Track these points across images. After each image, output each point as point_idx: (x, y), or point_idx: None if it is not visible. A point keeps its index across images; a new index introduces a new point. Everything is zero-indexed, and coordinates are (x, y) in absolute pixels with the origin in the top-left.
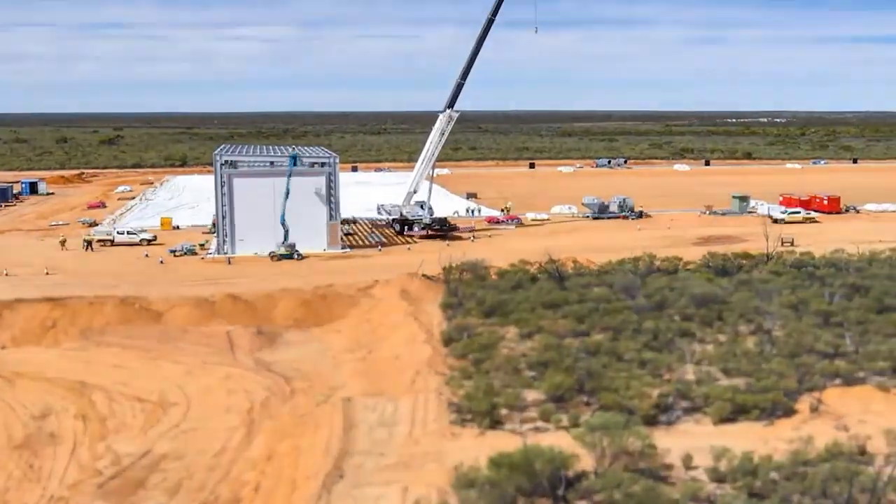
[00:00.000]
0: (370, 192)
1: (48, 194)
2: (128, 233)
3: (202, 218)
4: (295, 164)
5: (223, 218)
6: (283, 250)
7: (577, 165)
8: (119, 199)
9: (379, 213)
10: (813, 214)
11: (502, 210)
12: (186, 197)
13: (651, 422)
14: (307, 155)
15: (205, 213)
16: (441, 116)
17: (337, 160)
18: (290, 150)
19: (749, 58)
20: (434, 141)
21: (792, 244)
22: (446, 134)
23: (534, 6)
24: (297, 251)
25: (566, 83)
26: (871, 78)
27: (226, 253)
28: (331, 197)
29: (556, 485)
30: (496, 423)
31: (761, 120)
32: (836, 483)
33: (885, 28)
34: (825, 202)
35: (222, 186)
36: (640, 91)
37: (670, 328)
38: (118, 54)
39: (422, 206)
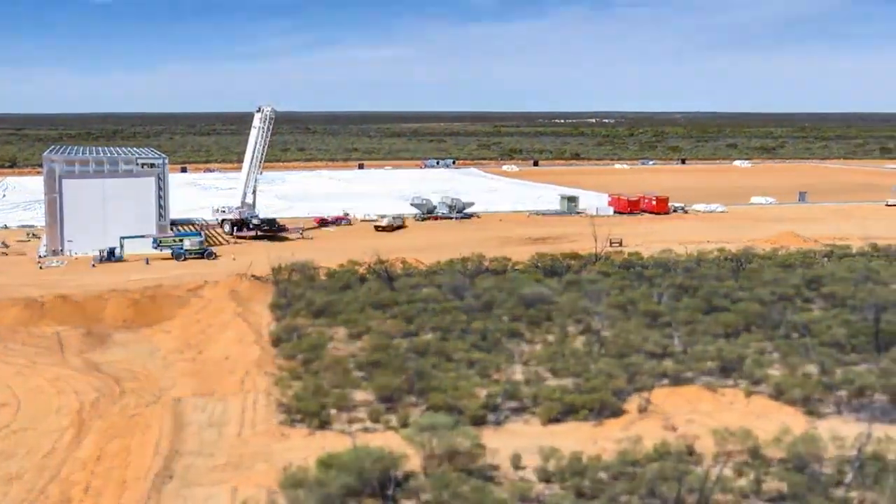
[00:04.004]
0: (201, 192)
1: None
2: None
3: (37, 219)
4: None
5: (52, 219)
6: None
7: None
8: None
9: (213, 214)
10: None
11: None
12: (17, 198)
13: (480, 422)
14: (136, 156)
15: (39, 214)
16: (256, 115)
17: (166, 161)
18: (121, 151)
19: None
20: (255, 140)
21: (620, 244)
22: (266, 133)
23: None
24: (208, 249)
25: (398, 85)
26: (699, 79)
27: (59, 252)
28: (160, 198)
29: (385, 485)
30: (325, 424)
31: (590, 120)
32: (665, 483)
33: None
34: (654, 202)
35: (52, 187)
36: (471, 92)
37: (499, 328)
38: None
39: (251, 207)
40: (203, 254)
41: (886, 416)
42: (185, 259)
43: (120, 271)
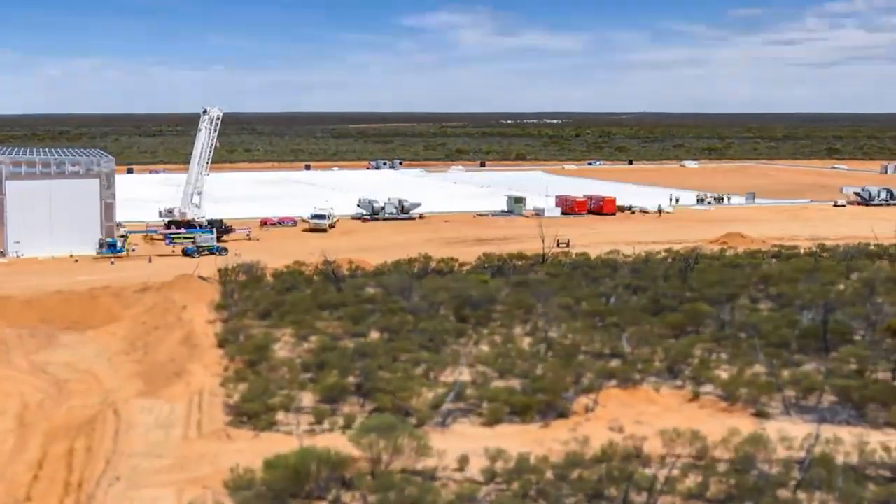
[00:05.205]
0: (151, 192)
1: None
2: None
3: None
4: None
5: None
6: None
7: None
8: None
9: (160, 216)
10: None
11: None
12: None
13: (426, 423)
14: (83, 157)
15: None
16: (203, 116)
17: (112, 162)
18: (68, 153)
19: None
20: (202, 140)
21: (568, 245)
22: (213, 132)
23: None
24: (218, 246)
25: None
26: (648, 79)
27: (5, 254)
28: (107, 199)
29: (331, 486)
30: (271, 425)
31: (535, 121)
32: (612, 484)
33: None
34: (601, 203)
35: None
36: (415, 91)
37: (446, 329)
38: None
39: (198, 208)
40: (214, 251)
41: (835, 416)
42: (199, 256)
43: (68, 272)
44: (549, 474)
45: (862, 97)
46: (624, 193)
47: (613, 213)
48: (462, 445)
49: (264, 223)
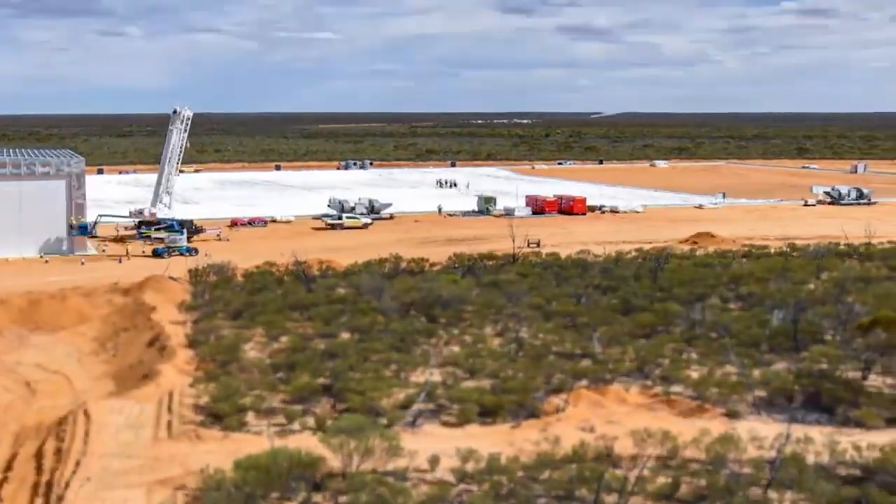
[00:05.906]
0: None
1: None
2: None
3: None
4: None
5: None
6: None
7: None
8: None
9: (130, 216)
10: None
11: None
12: None
13: (397, 423)
14: (53, 158)
15: None
16: (173, 116)
17: (82, 163)
18: (36, 153)
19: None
20: (173, 141)
21: (538, 245)
22: (184, 133)
23: None
24: (188, 247)
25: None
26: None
27: None
28: (77, 200)
29: (301, 487)
30: (242, 426)
31: (504, 121)
32: (583, 484)
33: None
34: (571, 203)
35: None
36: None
37: (416, 329)
38: None
39: (168, 208)
40: (184, 251)
41: (805, 416)
42: (169, 256)
43: (38, 272)
44: (519, 474)
45: None
46: (589, 193)
47: (584, 213)
48: (433, 446)
49: (234, 223)
